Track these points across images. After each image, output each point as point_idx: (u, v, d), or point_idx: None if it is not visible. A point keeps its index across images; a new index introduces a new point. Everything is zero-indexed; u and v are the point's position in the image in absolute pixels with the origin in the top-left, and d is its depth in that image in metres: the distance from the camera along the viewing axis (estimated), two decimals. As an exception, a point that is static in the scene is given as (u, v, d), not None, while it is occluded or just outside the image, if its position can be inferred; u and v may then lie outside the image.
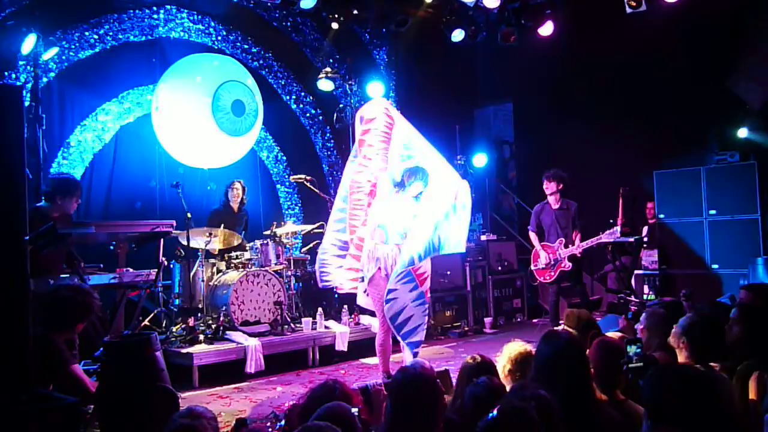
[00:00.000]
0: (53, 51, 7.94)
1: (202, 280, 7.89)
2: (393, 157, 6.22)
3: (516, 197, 12.80)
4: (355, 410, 2.93)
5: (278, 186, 10.67)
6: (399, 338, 5.91)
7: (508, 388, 3.31)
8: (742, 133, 9.68)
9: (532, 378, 3.25)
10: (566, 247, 8.49)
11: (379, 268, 5.98)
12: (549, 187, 8.57)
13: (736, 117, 9.91)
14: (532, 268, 8.82)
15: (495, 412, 2.49)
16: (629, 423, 3.19)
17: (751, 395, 3.50)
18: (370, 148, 6.38)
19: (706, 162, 9.34)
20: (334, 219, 6.56)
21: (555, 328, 7.64)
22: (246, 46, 10.12)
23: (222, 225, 8.07)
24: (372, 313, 8.74)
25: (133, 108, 9.01)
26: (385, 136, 6.32)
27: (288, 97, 10.73)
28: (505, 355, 3.83)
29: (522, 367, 3.70)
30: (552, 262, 8.54)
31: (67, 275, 5.69)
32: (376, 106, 6.49)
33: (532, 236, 8.76)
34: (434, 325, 9.38)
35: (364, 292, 6.26)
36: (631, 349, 3.50)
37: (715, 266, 9.05)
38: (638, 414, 3.15)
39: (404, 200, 6.07)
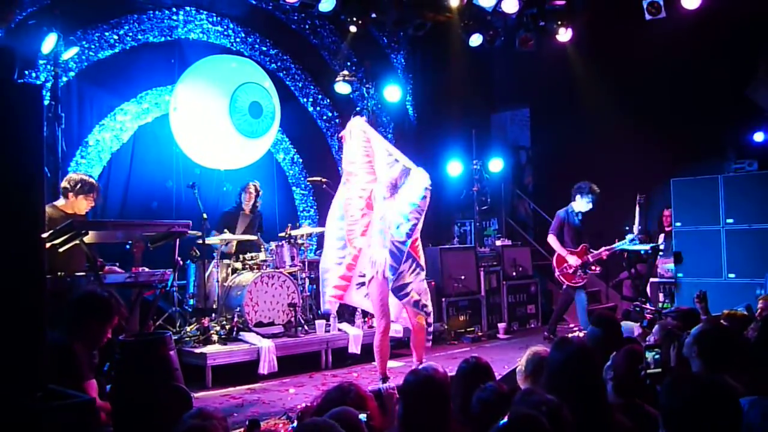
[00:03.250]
0: (73, 50, 7.99)
1: (217, 281, 7.92)
2: (380, 167, 6.37)
3: (532, 203, 12.75)
4: (363, 416, 2.91)
5: (294, 188, 10.68)
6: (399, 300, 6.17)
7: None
8: (758, 137, 9.64)
9: (544, 384, 3.23)
10: (588, 252, 8.65)
11: (377, 272, 6.11)
12: (580, 203, 8.74)
13: (755, 125, 9.85)
14: (560, 272, 8.79)
15: (506, 419, 2.47)
16: (642, 428, 3.17)
17: None
18: (352, 165, 6.51)
19: (724, 170, 9.25)
20: (335, 237, 6.53)
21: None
22: (264, 48, 10.15)
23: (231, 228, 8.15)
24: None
25: (152, 108, 9.06)
26: (366, 150, 6.45)
27: (305, 100, 10.74)
28: None
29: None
30: (582, 267, 8.64)
31: (84, 273, 5.71)
32: (353, 126, 6.55)
33: (553, 240, 8.81)
34: (448, 329, 9.39)
35: (365, 295, 6.37)
36: (650, 355, 3.49)
37: (732, 275, 8.96)
38: (653, 418, 3.14)
39: (398, 200, 6.18)
